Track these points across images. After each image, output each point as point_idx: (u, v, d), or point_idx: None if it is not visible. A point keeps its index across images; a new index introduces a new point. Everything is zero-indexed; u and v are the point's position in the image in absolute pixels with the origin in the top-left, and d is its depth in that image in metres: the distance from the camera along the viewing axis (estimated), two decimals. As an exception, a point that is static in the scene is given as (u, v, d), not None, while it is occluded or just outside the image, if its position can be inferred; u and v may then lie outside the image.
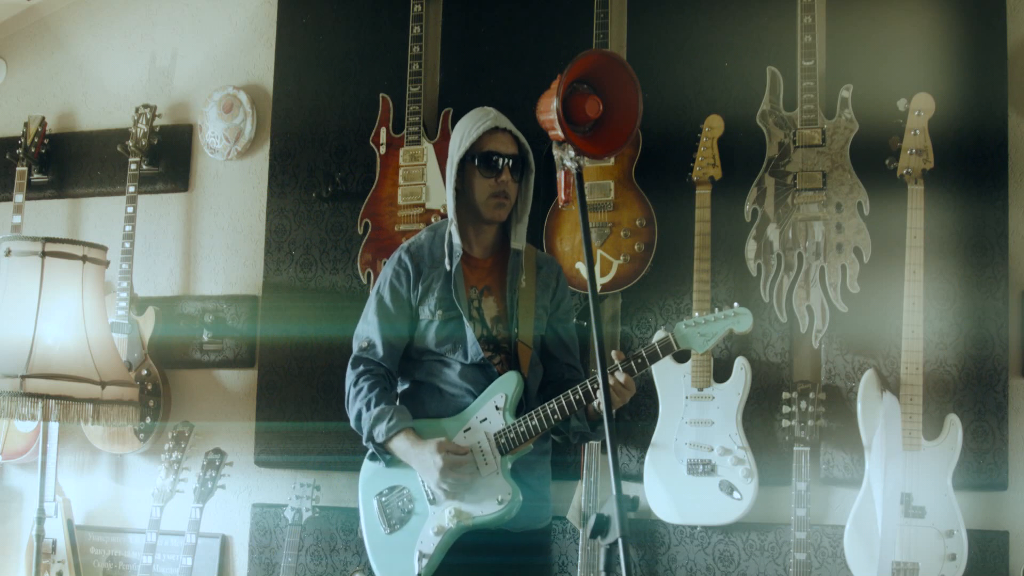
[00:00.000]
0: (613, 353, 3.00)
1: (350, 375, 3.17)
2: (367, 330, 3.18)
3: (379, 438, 3.05)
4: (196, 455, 4.38)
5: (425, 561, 3.01)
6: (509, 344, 3.15)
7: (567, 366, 3.25)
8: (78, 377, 3.78)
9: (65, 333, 3.82)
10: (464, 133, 3.11)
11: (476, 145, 3.08)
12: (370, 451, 3.12)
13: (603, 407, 2.55)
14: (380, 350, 3.14)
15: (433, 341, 3.12)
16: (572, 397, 2.99)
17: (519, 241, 3.18)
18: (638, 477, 3.95)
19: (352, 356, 3.19)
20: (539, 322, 3.20)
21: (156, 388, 4.55)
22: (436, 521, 3.02)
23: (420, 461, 3.02)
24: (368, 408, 3.07)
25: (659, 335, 3.92)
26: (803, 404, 3.75)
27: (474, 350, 3.09)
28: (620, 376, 2.95)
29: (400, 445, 3.04)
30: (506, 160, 3.10)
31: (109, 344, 3.98)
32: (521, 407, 3.08)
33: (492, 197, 3.11)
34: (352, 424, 3.15)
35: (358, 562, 4.28)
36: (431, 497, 3.04)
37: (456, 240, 3.11)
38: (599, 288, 4.03)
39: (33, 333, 3.76)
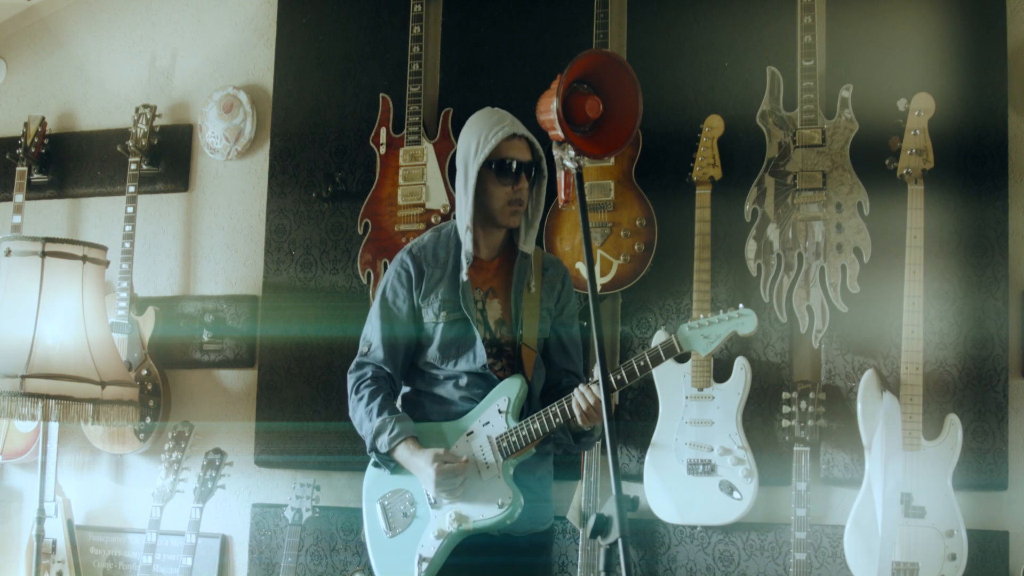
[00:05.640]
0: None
1: (350, 379, 3.17)
2: (369, 332, 3.18)
3: (382, 448, 3.06)
4: (196, 455, 4.38)
5: (425, 565, 2.99)
6: (512, 347, 3.15)
7: (565, 372, 3.23)
8: (78, 377, 3.78)
9: (65, 333, 3.82)
10: (480, 138, 3.07)
11: (494, 152, 3.06)
12: (373, 459, 3.13)
13: (603, 405, 2.54)
14: (381, 352, 3.13)
15: (438, 344, 3.11)
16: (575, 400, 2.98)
17: (529, 245, 3.17)
18: (638, 477, 3.95)
19: (354, 360, 3.18)
20: (543, 324, 3.18)
21: (156, 388, 4.55)
22: (437, 525, 3.01)
23: (418, 470, 3.03)
24: (370, 418, 3.07)
25: (659, 336, 3.94)
26: (803, 404, 3.75)
27: (480, 354, 3.09)
28: (591, 398, 2.92)
29: (401, 454, 3.05)
30: (523, 167, 3.09)
31: (109, 344, 3.98)
32: (524, 411, 3.07)
33: (508, 204, 3.09)
34: (356, 428, 3.15)
35: (358, 562, 4.28)
36: (432, 501, 3.04)
37: (468, 248, 3.10)
38: (599, 288, 4.03)
39: (33, 333, 3.76)
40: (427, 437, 3.06)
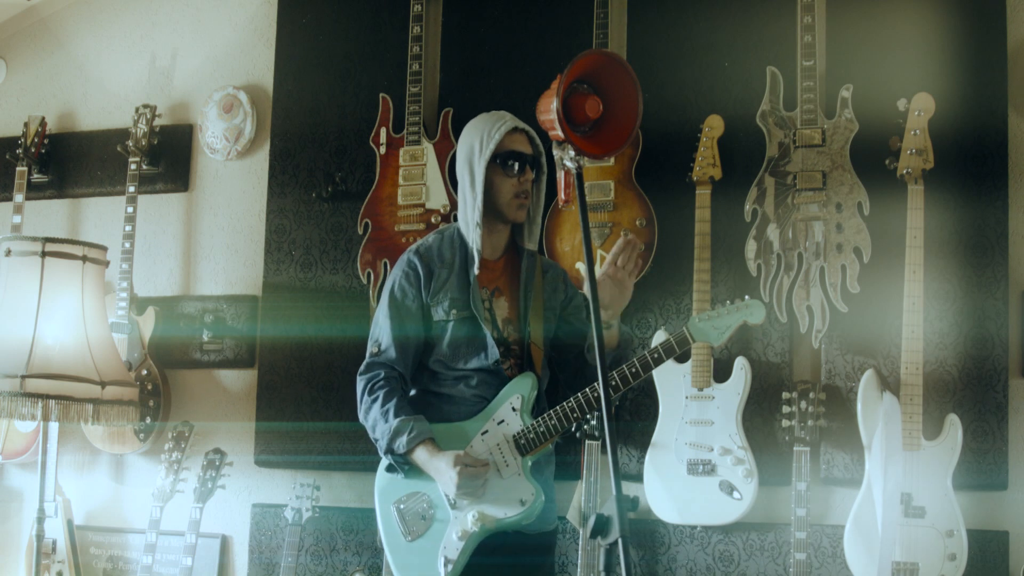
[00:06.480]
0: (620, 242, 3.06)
1: (361, 381, 3.15)
2: (378, 333, 3.17)
3: (400, 450, 3.04)
4: (196, 455, 4.38)
5: (451, 567, 3.00)
6: (520, 345, 3.16)
7: (588, 345, 3.21)
8: (78, 377, 3.78)
9: (65, 333, 3.82)
10: (484, 136, 3.11)
11: (498, 146, 3.10)
12: (387, 462, 3.12)
13: (603, 401, 2.55)
14: (393, 352, 3.13)
15: (448, 342, 3.12)
16: (591, 395, 3.00)
17: (533, 242, 3.20)
18: (638, 477, 3.95)
19: (365, 362, 3.17)
20: (548, 324, 3.21)
21: (156, 388, 4.55)
22: (460, 526, 3.02)
23: (437, 472, 3.03)
24: (386, 419, 3.06)
25: (659, 336, 3.95)
26: (803, 404, 3.75)
27: (493, 351, 3.09)
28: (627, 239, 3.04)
29: (420, 456, 3.04)
30: (526, 160, 3.13)
31: (109, 344, 3.98)
32: (533, 409, 3.09)
33: (515, 197, 3.13)
34: (368, 431, 3.13)
35: (358, 562, 4.28)
36: (452, 502, 3.04)
37: (477, 246, 3.11)
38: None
39: (33, 333, 3.76)
40: (442, 437, 3.06)
